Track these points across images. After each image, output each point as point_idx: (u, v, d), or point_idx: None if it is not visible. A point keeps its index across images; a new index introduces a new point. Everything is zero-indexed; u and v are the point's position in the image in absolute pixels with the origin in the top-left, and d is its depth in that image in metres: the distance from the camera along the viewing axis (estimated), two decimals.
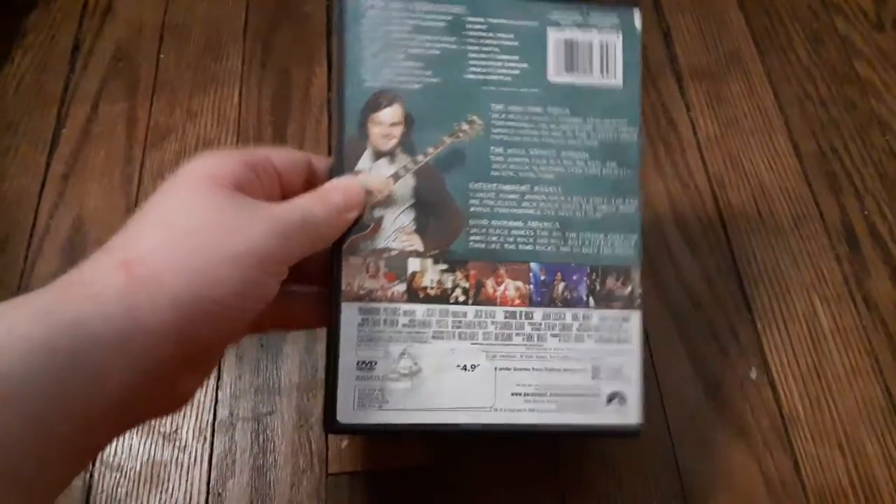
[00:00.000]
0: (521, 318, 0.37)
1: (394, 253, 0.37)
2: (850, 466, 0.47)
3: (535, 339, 0.37)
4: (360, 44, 0.37)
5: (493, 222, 0.37)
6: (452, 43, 0.38)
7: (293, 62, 0.66)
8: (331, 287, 0.36)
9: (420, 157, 0.37)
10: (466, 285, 0.37)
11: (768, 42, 0.65)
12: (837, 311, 0.53)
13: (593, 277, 0.38)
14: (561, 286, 0.38)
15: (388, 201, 0.37)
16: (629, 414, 0.38)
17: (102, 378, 0.26)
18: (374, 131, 0.37)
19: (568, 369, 0.37)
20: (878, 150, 0.59)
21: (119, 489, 0.49)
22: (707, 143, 0.60)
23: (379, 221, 0.37)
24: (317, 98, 0.64)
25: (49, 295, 0.26)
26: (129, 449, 0.51)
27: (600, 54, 0.39)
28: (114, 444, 0.51)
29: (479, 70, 0.38)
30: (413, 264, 0.37)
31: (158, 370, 0.28)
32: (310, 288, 0.38)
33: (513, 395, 0.37)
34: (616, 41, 0.39)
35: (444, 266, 0.37)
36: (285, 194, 0.35)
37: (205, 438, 0.51)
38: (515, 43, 0.38)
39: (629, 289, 0.38)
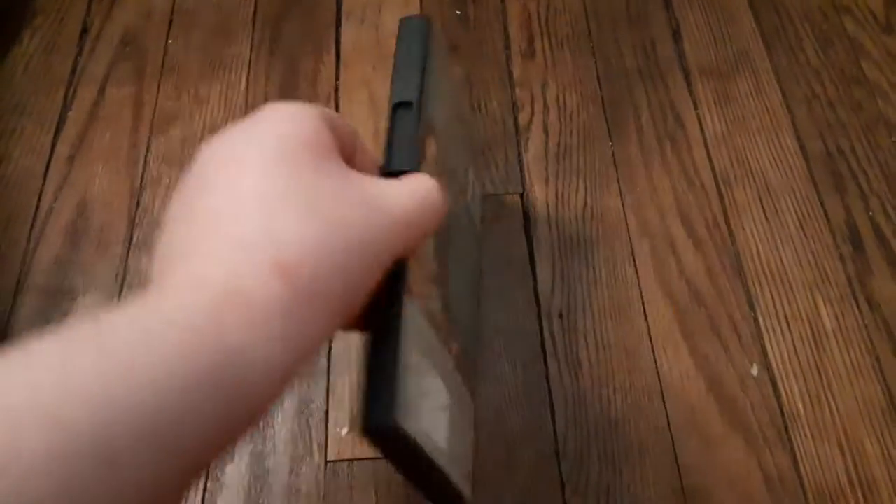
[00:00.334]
0: None
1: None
2: (850, 465, 0.47)
3: None
4: None
5: None
6: None
7: (301, 50, 0.66)
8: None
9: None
10: None
11: (777, 41, 0.65)
12: (840, 311, 0.52)
13: None
14: None
15: None
16: None
17: (256, 408, 0.21)
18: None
19: None
20: (885, 152, 0.59)
21: None
22: (714, 140, 0.60)
23: None
24: (324, 87, 0.64)
25: (202, 314, 0.20)
26: None
27: None
28: None
29: None
30: None
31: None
32: None
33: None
34: None
35: None
36: None
37: None
38: None
39: None
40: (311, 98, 0.63)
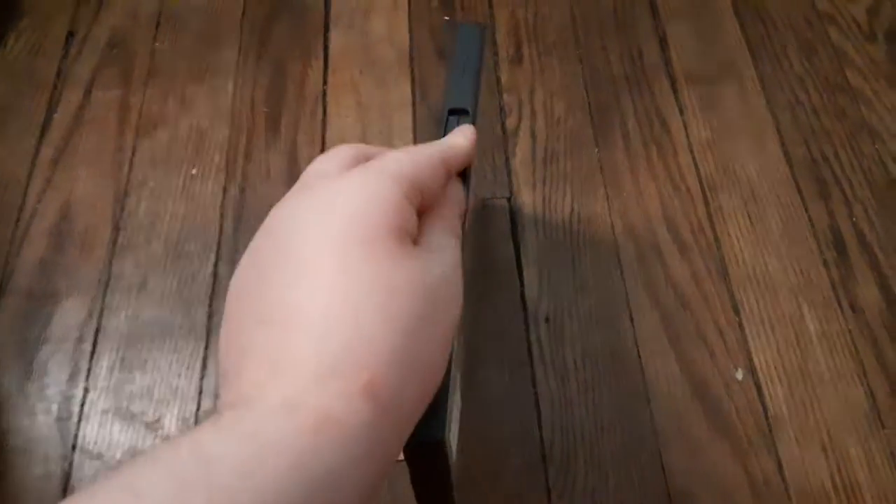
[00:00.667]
0: None
1: None
2: (833, 469, 0.48)
3: None
4: None
5: None
6: None
7: (289, 55, 0.66)
8: None
9: None
10: None
11: (762, 49, 0.65)
12: (824, 316, 0.53)
13: None
14: None
15: None
16: None
17: None
18: None
19: None
20: (868, 159, 0.59)
21: (99, 478, 0.49)
22: (699, 146, 0.60)
23: None
24: (312, 91, 0.64)
25: (297, 436, 0.21)
26: (110, 437, 0.50)
27: None
28: (95, 431, 0.50)
29: None
30: None
31: None
32: None
33: None
34: None
35: None
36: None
37: (188, 429, 0.51)
38: None
39: None
40: (299, 102, 0.63)
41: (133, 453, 0.50)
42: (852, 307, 0.53)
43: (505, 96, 0.63)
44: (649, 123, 0.62)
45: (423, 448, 0.27)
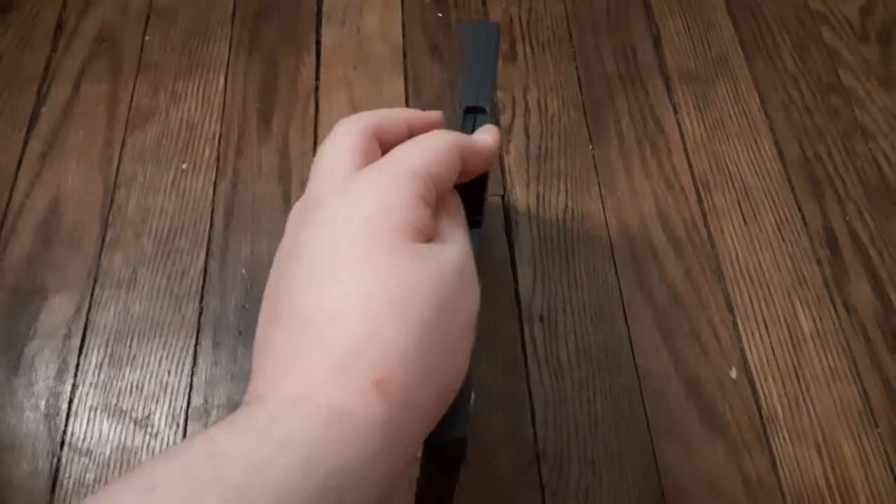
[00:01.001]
0: None
1: None
2: (827, 468, 0.48)
3: None
4: None
5: None
6: None
7: (281, 50, 0.66)
8: None
9: None
10: None
11: (755, 48, 0.65)
12: (817, 314, 0.53)
13: None
14: None
15: None
16: None
17: None
18: None
19: None
20: (861, 158, 0.59)
21: (87, 475, 0.48)
22: (693, 145, 0.60)
23: None
24: (304, 86, 0.64)
25: (307, 432, 0.21)
26: (100, 434, 0.49)
27: None
28: (84, 428, 0.50)
29: None
30: None
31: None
32: None
33: None
34: None
35: None
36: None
37: (178, 425, 0.50)
38: None
39: None
40: (291, 98, 0.63)
41: (122, 450, 0.49)
42: (846, 306, 0.53)
43: (499, 93, 0.63)
44: (643, 121, 0.61)
45: (446, 446, 0.26)
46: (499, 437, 0.49)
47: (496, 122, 0.61)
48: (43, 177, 0.59)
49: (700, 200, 0.58)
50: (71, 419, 0.50)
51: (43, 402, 0.50)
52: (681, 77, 0.64)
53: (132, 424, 0.50)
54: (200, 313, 0.54)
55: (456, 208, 0.30)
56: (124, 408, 0.50)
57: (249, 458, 0.20)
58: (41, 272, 0.55)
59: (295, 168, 0.59)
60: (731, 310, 0.53)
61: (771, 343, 0.52)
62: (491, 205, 0.57)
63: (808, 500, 0.47)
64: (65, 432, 0.49)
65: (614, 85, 0.64)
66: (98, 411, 0.50)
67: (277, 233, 0.57)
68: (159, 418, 0.50)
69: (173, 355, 0.52)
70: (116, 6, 0.68)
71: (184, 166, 0.60)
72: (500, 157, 0.60)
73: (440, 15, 0.67)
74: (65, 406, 0.50)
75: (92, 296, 0.54)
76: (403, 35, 0.66)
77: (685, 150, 0.60)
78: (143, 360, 0.52)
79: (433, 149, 0.28)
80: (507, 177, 0.59)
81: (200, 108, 0.63)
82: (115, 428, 0.50)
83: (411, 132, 0.31)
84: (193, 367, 0.52)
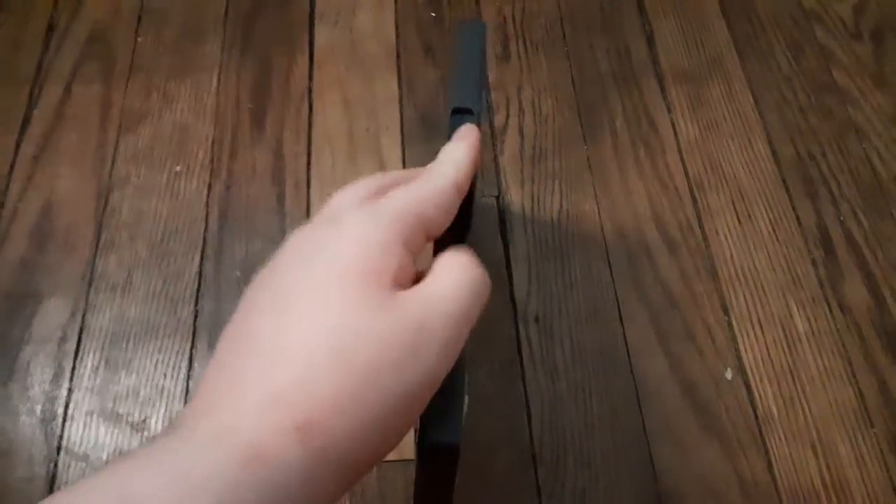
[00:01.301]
0: None
1: None
2: (823, 467, 0.48)
3: None
4: None
5: None
6: None
7: (274, 50, 0.65)
8: None
9: None
10: None
11: (749, 48, 0.65)
12: (812, 314, 0.53)
13: None
14: None
15: None
16: None
17: None
18: None
19: None
20: (855, 158, 0.59)
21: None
22: (687, 145, 0.60)
23: None
24: (297, 87, 0.63)
25: (222, 473, 0.21)
26: (96, 438, 0.49)
27: None
28: (80, 432, 0.49)
29: None
30: None
31: None
32: None
33: None
34: None
35: None
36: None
37: None
38: None
39: None
40: (284, 98, 0.63)
41: (119, 454, 0.49)
42: (840, 306, 0.53)
43: (493, 94, 0.63)
44: (637, 121, 0.61)
45: (438, 451, 0.26)
46: (495, 439, 0.49)
47: (489, 123, 0.61)
48: (35, 180, 0.59)
49: (694, 201, 0.58)
50: (67, 424, 0.50)
51: (39, 407, 0.50)
52: (675, 77, 0.64)
53: (129, 429, 0.50)
54: (196, 316, 0.54)
55: (460, 251, 0.29)
56: (120, 412, 0.50)
57: (161, 488, 0.20)
58: (35, 276, 0.55)
59: (289, 169, 0.59)
60: (726, 310, 0.53)
61: (766, 343, 0.52)
62: (486, 206, 0.57)
63: (803, 500, 0.47)
64: (61, 437, 0.49)
65: (608, 84, 0.64)
66: (94, 416, 0.50)
67: (272, 234, 0.57)
68: (156, 422, 0.50)
69: (169, 359, 0.52)
70: (108, 7, 0.68)
71: (177, 168, 0.59)
72: (495, 158, 0.60)
73: (433, 15, 0.67)
74: (61, 411, 0.50)
75: (87, 299, 0.54)
76: (397, 35, 0.66)
77: (679, 150, 0.60)
78: (139, 364, 0.52)
79: (425, 192, 0.28)
80: (502, 177, 0.59)
81: (193, 109, 0.62)
82: (112, 432, 0.50)
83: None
84: (189, 370, 0.52)
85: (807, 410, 0.50)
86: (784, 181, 0.58)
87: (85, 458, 0.49)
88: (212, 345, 0.52)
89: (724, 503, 0.47)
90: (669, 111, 0.62)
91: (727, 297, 0.54)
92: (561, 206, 0.58)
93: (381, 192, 0.29)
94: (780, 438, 0.49)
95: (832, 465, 0.48)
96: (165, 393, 0.51)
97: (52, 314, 0.53)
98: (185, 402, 0.51)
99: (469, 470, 0.48)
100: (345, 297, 0.24)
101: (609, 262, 0.55)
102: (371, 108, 0.62)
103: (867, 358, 0.51)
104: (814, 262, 0.55)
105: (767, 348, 0.52)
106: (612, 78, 0.64)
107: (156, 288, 0.55)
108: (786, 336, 0.52)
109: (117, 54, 0.65)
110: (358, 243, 0.25)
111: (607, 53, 0.65)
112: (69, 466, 0.48)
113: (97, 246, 0.56)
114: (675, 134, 0.61)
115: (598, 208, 0.57)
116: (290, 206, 0.57)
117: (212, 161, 0.60)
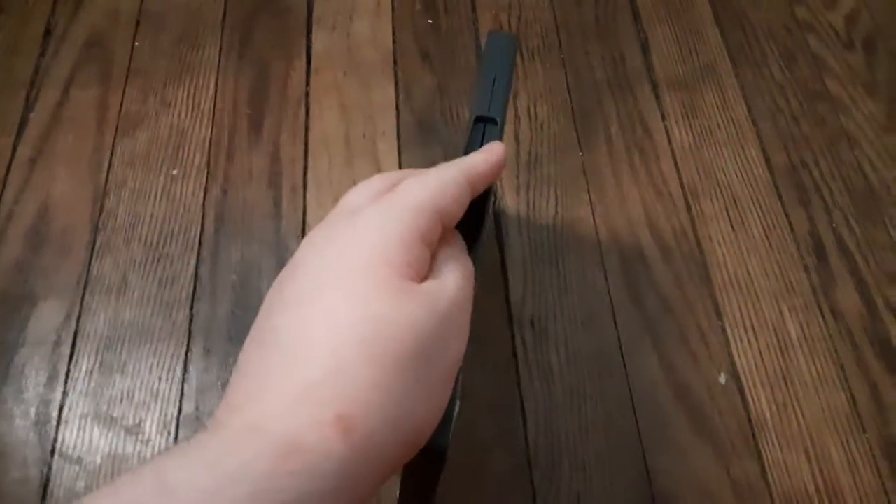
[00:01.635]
0: None
1: None
2: (816, 472, 0.48)
3: None
4: None
5: None
6: None
7: (272, 55, 0.66)
8: None
9: None
10: None
11: (743, 57, 0.66)
12: (805, 320, 0.53)
13: None
14: None
15: None
16: None
17: None
18: None
19: None
20: (847, 166, 0.60)
21: (79, 483, 0.48)
22: (681, 152, 0.61)
23: None
24: (294, 91, 0.64)
25: (258, 463, 0.21)
26: (90, 442, 0.49)
27: None
28: (74, 436, 0.49)
29: None
30: None
31: None
32: None
33: None
34: None
35: None
36: None
37: (169, 433, 0.50)
38: None
39: None
40: (281, 103, 0.63)
41: (113, 458, 0.49)
42: (833, 312, 0.54)
43: None
44: (632, 128, 0.62)
45: (427, 455, 0.27)
46: (490, 443, 0.49)
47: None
48: (32, 182, 0.59)
49: (688, 207, 0.58)
50: (61, 427, 0.50)
51: (33, 410, 0.50)
52: (669, 84, 0.64)
53: (123, 432, 0.50)
54: (191, 320, 0.54)
55: (455, 241, 0.30)
56: (115, 415, 0.50)
57: (198, 491, 0.20)
58: (30, 278, 0.55)
59: (286, 173, 0.59)
60: (719, 316, 0.54)
61: (759, 349, 0.52)
62: None
63: None
64: (55, 440, 0.49)
65: (603, 91, 0.64)
66: (89, 419, 0.50)
67: (268, 238, 0.57)
68: (150, 426, 0.50)
69: (164, 362, 0.52)
70: (106, 11, 0.68)
71: (174, 172, 0.59)
72: None
73: (430, 21, 0.67)
74: (55, 414, 0.50)
75: (82, 302, 0.54)
76: (394, 41, 0.67)
77: (673, 156, 0.60)
78: (134, 368, 0.52)
79: (440, 184, 0.28)
80: (498, 183, 0.59)
81: (190, 113, 0.62)
82: (106, 436, 0.50)
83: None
84: (184, 374, 0.52)
85: (800, 416, 0.50)
86: (777, 188, 0.59)
87: (79, 461, 0.49)
88: (207, 348, 0.52)
89: None
90: (664, 118, 0.63)
91: (721, 302, 0.54)
92: (556, 211, 0.58)
93: (395, 187, 0.29)
94: (773, 443, 0.49)
95: (825, 469, 0.48)
96: (160, 396, 0.51)
97: (48, 317, 0.53)
98: (180, 405, 0.51)
99: (465, 473, 0.48)
100: (367, 289, 0.24)
101: (604, 267, 0.55)
102: (368, 114, 0.63)
103: (859, 363, 0.52)
104: (806, 269, 0.55)
105: (761, 353, 0.52)
106: (607, 85, 0.64)
107: (151, 291, 0.55)
108: (779, 341, 0.53)
109: (115, 58, 0.65)
110: (378, 236, 0.26)
111: (602, 61, 0.66)
112: (63, 470, 0.48)
113: (93, 249, 0.56)
114: (670, 140, 0.61)
115: (593, 214, 0.58)
116: (287, 209, 0.58)
117: (208, 165, 0.60)
